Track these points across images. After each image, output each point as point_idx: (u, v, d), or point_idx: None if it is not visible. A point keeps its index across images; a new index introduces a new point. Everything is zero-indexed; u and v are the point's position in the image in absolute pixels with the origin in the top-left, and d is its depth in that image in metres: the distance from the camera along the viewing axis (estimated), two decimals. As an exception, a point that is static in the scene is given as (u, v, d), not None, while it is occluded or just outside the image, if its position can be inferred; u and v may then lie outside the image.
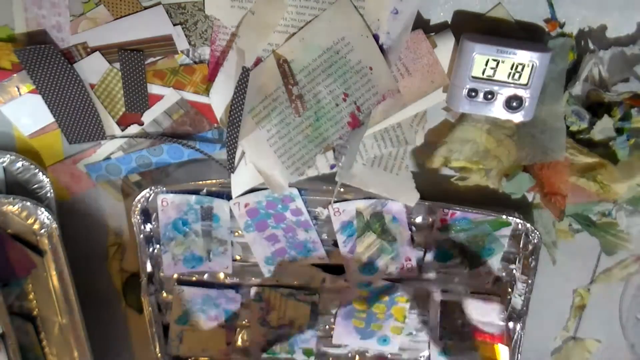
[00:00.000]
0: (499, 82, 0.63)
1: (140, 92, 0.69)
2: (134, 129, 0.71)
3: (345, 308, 0.79)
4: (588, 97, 0.66)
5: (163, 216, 0.74)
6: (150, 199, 0.73)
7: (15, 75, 0.68)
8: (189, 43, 0.67)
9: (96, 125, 0.70)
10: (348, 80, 0.65)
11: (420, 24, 0.65)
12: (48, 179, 0.72)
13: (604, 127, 0.65)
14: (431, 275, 0.78)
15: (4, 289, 0.74)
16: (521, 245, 0.75)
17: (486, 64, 0.62)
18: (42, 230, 0.72)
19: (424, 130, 0.70)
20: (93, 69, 0.68)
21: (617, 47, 0.64)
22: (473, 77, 0.62)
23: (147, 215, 0.75)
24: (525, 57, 0.61)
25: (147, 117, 0.71)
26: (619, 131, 0.65)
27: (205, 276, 0.80)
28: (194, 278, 0.80)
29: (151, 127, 0.72)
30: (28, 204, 0.71)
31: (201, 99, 0.70)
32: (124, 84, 0.69)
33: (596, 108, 0.66)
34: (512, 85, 0.62)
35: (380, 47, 0.65)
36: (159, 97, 0.70)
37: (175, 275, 0.79)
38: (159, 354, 0.80)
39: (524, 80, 0.62)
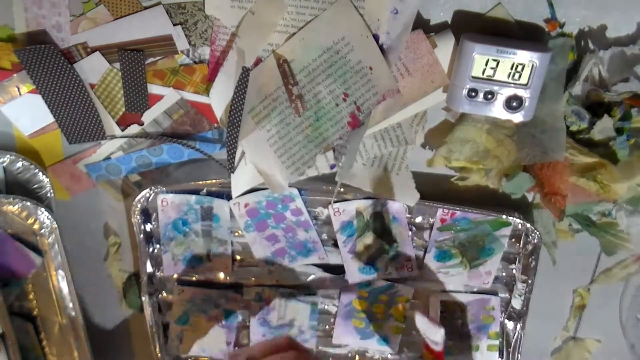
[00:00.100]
0: (499, 82, 0.63)
1: (140, 92, 0.69)
2: (134, 129, 0.71)
3: (345, 308, 0.79)
4: (588, 97, 0.66)
5: (163, 216, 0.74)
6: (150, 199, 0.73)
7: (15, 75, 0.68)
8: (189, 43, 0.67)
9: (96, 125, 0.70)
10: (348, 80, 0.65)
11: (420, 24, 0.65)
12: (48, 179, 0.72)
13: (604, 127, 0.65)
14: (431, 275, 0.78)
15: (4, 289, 0.74)
16: (521, 245, 0.75)
17: (486, 64, 0.62)
18: (42, 230, 0.72)
19: (424, 130, 0.70)
20: (93, 69, 0.68)
21: (617, 47, 0.64)
22: (473, 77, 0.62)
23: (147, 215, 0.75)
24: (525, 57, 0.61)
25: (147, 117, 0.71)
26: (619, 131, 0.65)
27: (205, 276, 0.80)
28: (194, 278, 0.80)
29: (151, 127, 0.72)
30: (28, 204, 0.71)
31: (201, 99, 0.70)
32: (124, 84, 0.69)
33: (596, 108, 0.66)
34: (512, 85, 0.62)
35: (380, 47, 0.65)
36: (159, 97, 0.70)
37: (175, 275, 0.79)
38: (159, 354, 0.80)
39: (524, 80, 0.62)
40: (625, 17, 0.64)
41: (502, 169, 0.69)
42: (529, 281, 0.75)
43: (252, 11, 0.64)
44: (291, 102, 0.66)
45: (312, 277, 0.79)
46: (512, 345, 0.79)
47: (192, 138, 0.72)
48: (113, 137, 0.72)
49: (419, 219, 0.75)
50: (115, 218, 0.78)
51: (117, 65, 0.68)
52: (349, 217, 0.74)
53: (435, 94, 0.66)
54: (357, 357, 0.83)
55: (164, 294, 0.80)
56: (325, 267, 0.79)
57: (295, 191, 0.73)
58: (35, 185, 0.73)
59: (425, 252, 0.76)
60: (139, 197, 0.72)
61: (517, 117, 0.64)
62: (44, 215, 0.71)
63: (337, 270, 0.78)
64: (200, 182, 0.73)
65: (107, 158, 0.73)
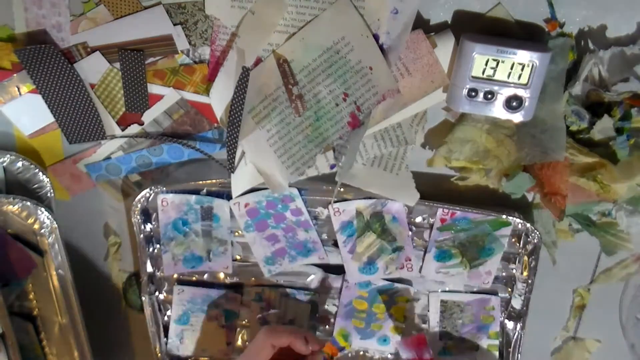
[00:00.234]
0: (499, 82, 0.63)
1: (140, 92, 0.69)
2: (134, 129, 0.71)
3: (345, 308, 0.79)
4: (588, 97, 0.66)
5: (163, 216, 0.74)
6: (150, 199, 0.73)
7: (15, 75, 0.68)
8: (189, 43, 0.67)
9: (96, 125, 0.70)
10: (348, 80, 0.65)
11: (420, 24, 0.65)
12: (48, 179, 0.72)
13: (604, 127, 0.65)
14: (431, 275, 0.77)
15: (4, 289, 0.74)
16: (521, 245, 0.75)
17: (486, 64, 0.62)
18: (42, 230, 0.72)
19: (424, 130, 0.70)
20: (93, 69, 0.68)
21: (617, 47, 0.64)
22: (473, 77, 0.62)
23: (147, 215, 0.75)
24: (525, 57, 0.61)
25: (147, 117, 0.71)
26: (619, 131, 0.65)
27: (205, 276, 0.80)
28: (194, 278, 0.80)
29: (151, 127, 0.72)
30: (28, 204, 0.71)
31: (201, 99, 0.70)
32: (124, 84, 0.69)
33: (596, 108, 0.66)
34: (512, 85, 0.62)
35: (380, 47, 0.65)
36: (159, 97, 0.70)
37: (175, 275, 0.79)
38: (159, 354, 0.80)
39: (524, 80, 0.62)
40: (625, 17, 0.64)
41: (502, 169, 0.69)
42: (529, 281, 0.75)
43: (252, 11, 0.64)
44: (291, 102, 0.66)
45: (312, 277, 0.79)
46: (512, 345, 0.79)
47: (192, 138, 0.72)
48: (113, 137, 0.72)
49: (419, 219, 0.75)
50: (115, 218, 0.78)
51: (117, 65, 0.68)
52: (349, 217, 0.74)
53: (435, 94, 0.66)
54: (357, 356, 0.83)
55: (164, 294, 0.80)
56: (325, 267, 0.79)
57: (295, 191, 0.73)
58: (35, 185, 0.73)
59: (425, 252, 0.76)
60: (139, 197, 0.72)
61: (517, 117, 0.64)
62: (44, 215, 0.71)
63: (337, 270, 0.78)
64: (200, 182, 0.73)
65: (107, 158, 0.73)
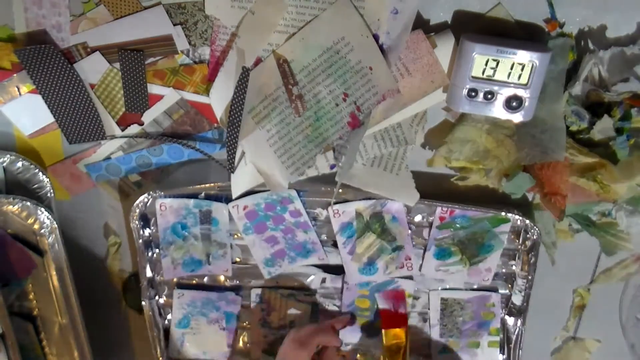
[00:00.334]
0: (499, 82, 0.63)
1: (140, 92, 0.69)
2: (134, 129, 0.71)
3: (349, 308, 0.79)
4: (588, 97, 0.66)
5: (162, 221, 0.74)
6: (148, 204, 0.73)
7: (15, 75, 0.68)
8: (189, 43, 0.68)
9: (96, 125, 0.70)
10: (348, 80, 0.65)
11: (420, 24, 0.65)
12: (48, 179, 0.72)
13: (603, 127, 0.65)
14: (431, 273, 0.77)
15: (4, 289, 0.74)
16: (520, 242, 0.75)
17: (486, 64, 0.62)
18: (42, 230, 0.72)
19: (424, 130, 0.70)
20: (93, 69, 0.68)
21: (617, 47, 0.64)
22: (473, 77, 0.62)
23: (145, 220, 0.75)
24: (525, 57, 0.61)
25: (147, 117, 0.71)
26: (619, 131, 0.65)
27: (205, 279, 0.80)
28: (193, 281, 0.80)
29: (151, 127, 0.72)
30: (28, 204, 0.71)
31: (201, 99, 0.70)
32: (124, 84, 0.69)
33: (596, 108, 0.66)
34: (512, 85, 0.62)
35: (380, 47, 0.65)
36: (159, 97, 0.70)
37: (175, 279, 0.79)
38: (161, 358, 0.80)
39: (523, 80, 0.62)
40: (625, 17, 0.64)
41: (502, 169, 0.69)
42: (529, 277, 0.75)
43: (252, 11, 0.64)
44: (291, 102, 0.66)
45: (312, 277, 0.79)
46: (513, 341, 0.79)
47: (192, 138, 0.72)
48: (113, 137, 0.72)
49: (418, 218, 0.75)
50: (115, 218, 0.78)
51: (117, 65, 0.68)
52: (349, 218, 0.74)
53: (435, 94, 0.66)
54: (358, 355, 0.83)
55: (164, 298, 0.80)
56: (325, 268, 0.79)
57: (294, 193, 0.73)
58: (35, 185, 0.73)
59: (425, 251, 0.76)
60: (137, 202, 0.72)
61: (517, 117, 0.64)
62: (44, 215, 0.71)
63: (337, 270, 0.78)
64: (199, 186, 0.73)
65: (107, 158, 0.73)
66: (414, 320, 0.80)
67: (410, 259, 0.76)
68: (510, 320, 0.79)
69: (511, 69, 0.62)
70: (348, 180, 0.70)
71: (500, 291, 0.79)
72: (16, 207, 0.71)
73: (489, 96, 0.63)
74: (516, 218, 0.72)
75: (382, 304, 0.79)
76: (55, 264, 0.73)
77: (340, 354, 0.80)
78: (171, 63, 0.68)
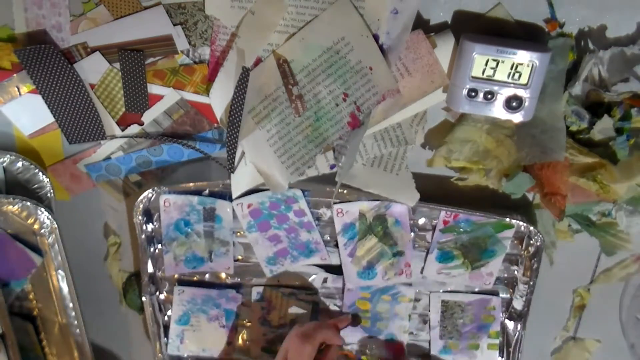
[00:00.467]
0: (499, 82, 0.63)
1: (140, 92, 0.69)
2: (134, 129, 0.71)
3: (350, 309, 0.79)
4: (588, 97, 0.66)
5: (165, 216, 0.74)
6: (152, 199, 0.73)
7: (15, 75, 0.68)
8: (189, 43, 0.68)
9: (96, 125, 0.70)
10: (348, 80, 0.65)
11: (420, 24, 0.65)
12: (48, 179, 0.72)
13: (603, 127, 0.65)
14: (433, 276, 0.77)
15: (4, 289, 0.74)
16: (523, 247, 0.75)
17: (486, 64, 0.62)
18: (42, 230, 0.72)
19: (424, 130, 0.70)
20: (93, 69, 0.68)
21: (617, 47, 0.64)
22: (473, 77, 0.62)
23: (149, 215, 0.75)
24: (525, 57, 0.61)
25: (147, 117, 0.71)
26: (619, 131, 0.65)
27: (207, 276, 0.80)
28: (194, 278, 0.80)
29: (151, 127, 0.72)
30: (28, 204, 0.71)
31: (201, 99, 0.70)
32: (124, 84, 0.69)
33: (596, 108, 0.66)
34: (512, 85, 0.62)
35: (380, 47, 0.65)
36: (159, 97, 0.70)
37: (176, 276, 0.79)
38: (159, 354, 0.80)
39: (523, 80, 0.62)
40: (625, 17, 0.64)
41: (502, 169, 0.69)
42: (531, 282, 0.75)
43: (252, 11, 0.64)
44: (291, 102, 0.66)
45: (313, 277, 0.79)
46: (513, 344, 0.79)
47: (192, 138, 0.72)
48: (113, 137, 0.72)
49: (422, 221, 0.75)
50: (115, 218, 0.78)
51: (117, 65, 0.68)
52: (352, 218, 0.74)
53: (435, 94, 0.66)
54: (364, 357, 0.83)
55: (165, 294, 0.80)
56: (327, 267, 0.79)
57: (298, 192, 0.73)
58: (35, 185, 0.73)
59: (427, 254, 0.76)
60: (141, 197, 0.72)
61: (517, 117, 0.64)
62: (44, 215, 0.71)
63: (339, 270, 0.78)
64: (203, 183, 0.73)
65: (107, 158, 0.73)
66: (414, 322, 0.80)
67: (409, 266, 0.76)
68: (510, 324, 0.79)
69: (511, 69, 0.62)
70: (348, 180, 0.70)
71: (501, 295, 0.79)
72: (16, 207, 0.71)
73: (489, 96, 0.63)
74: (520, 224, 0.72)
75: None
76: (55, 264, 0.73)
77: (342, 352, 0.81)
78: (171, 63, 0.68)
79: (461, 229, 0.74)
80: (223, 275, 0.80)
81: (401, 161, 0.71)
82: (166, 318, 0.81)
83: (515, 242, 0.75)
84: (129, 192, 0.76)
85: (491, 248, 0.75)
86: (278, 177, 0.69)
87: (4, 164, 0.71)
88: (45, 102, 0.68)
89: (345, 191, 0.72)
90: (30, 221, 0.72)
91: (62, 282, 0.74)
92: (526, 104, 0.63)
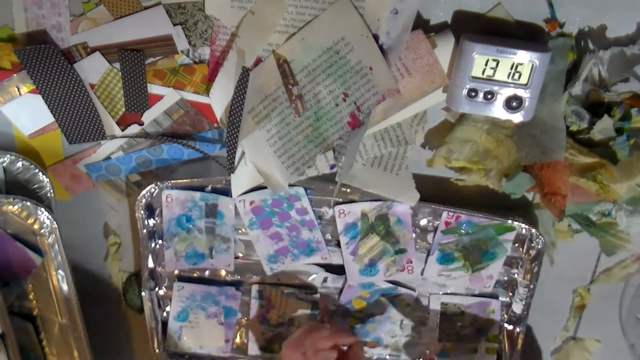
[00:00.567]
0: (499, 82, 0.63)
1: (140, 92, 0.69)
2: (134, 129, 0.71)
3: (345, 307, 0.79)
4: (588, 97, 0.66)
5: (167, 212, 0.74)
6: (155, 195, 0.73)
7: (15, 75, 0.68)
8: (189, 43, 0.68)
9: (96, 125, 0.70)
10: (348, 80, 0.65)
11: (420, 24, 0.65)
12: (48, 179, 0.72)
13: (603, 127, 0.65)
14: (433, 277, 0.77)
15: (4, 289, 0.74)
16: (524, 250, 0.75)
17: (486, 64, 0.62)
18: (42, 230, 0.72)
19: (424, 130, 0.70)
20: (93, 69, 0.68)
21: (617, 47, 0.64)
22: (473, 77, 0.62)
23: (151, 210, 0.75)
24: (525, 57, 0.61)
25: (147, 117, 0.71)
26: (619, 131, 0.65)
27: (207, 273, 0.80)
28: (195, 274, 0.80)
29: (151, 127, 0.72)
30: (28, 204, 0.71)
31: (201, 99, 0.70)
32: (124, 84, 0.69)
33: (596, 108, 0.66)
34: (512, 85, 0.62)
35: (380, 47, 0.65)
36: (159, 97, 0.70)
37: (176, 272, 0.79)
38: (157, 350, 0.80)
39: (523, 80, 0.62)
40: (625, 17, 0.64)
41: (502, 169, 0.69)
42: (531, 286, 0.75)
43: (252, 11, 0.64)
44: (291, 102, 0.66)
45: (313, 276, 0.79)
46: (512, 348, 0.79)
47: (192, 138, 0.72)
48: (113, 137, 0.72)
49: (423, 222, 0.75)
50: (115, 218, 0.78)
51: (117, 65, 0.68)
52: (354, 218, 0.74)
53: (435, 94, 0.66)
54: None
55: (164, 290, 0.80)
56: (327, 267, 0.79)
57: (301, 190, 0.73)
58: (35, 185, 0.73)
59: (428, 255, 0.76)
60: (144, 192, 0.72)
61: (517, 117, 0.64)
62: (44, 215, 0.71)
63: (340, 270, 0.78)
64: (206, 179, 0.73)
65: (107, 158, 0.73)
66: (413, 323, 0.80)
67: (411, 262, 0.76)
68: (509, 328, 0.79)
69: (511, 69, 0.62)
70: (348, 180, 0.70)
71: (500, 298, 0.79)
72: (16, 207, 0.71)
73: (489, 96, 0.63)
74: (522, 227, 0.72)
75: None
76: (55, 264, 0.73)
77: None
78: (171, 63, 0.68)
79: (463, 231, 0.74)
80: (223, 272, 0.80)
81: (401, 161, 0.71)
82: (165, 314, 0.81)
83: (516, 245, 0.75)
84: (129, 192, 0.76)
85: (492, 250, 0.75)
86: (278, 177, 0.69)
87: (4, 164, 0.71)
88: (45, 102, 0.68)
89: (348, 190, 0.72)
90: (30, 221, 0.72)
91: (62, 282, 0.74)
92: (526, 104, 0.63)
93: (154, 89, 0.70)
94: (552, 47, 0.63)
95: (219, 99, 0.68)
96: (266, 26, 0.64)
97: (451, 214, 0.73)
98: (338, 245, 0.76)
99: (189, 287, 0.79)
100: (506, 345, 0.79)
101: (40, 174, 0.72)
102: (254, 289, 0.80)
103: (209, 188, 0.74)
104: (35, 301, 0.76)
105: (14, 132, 0.72)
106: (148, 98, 0.70)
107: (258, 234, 0.76)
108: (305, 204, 0.74)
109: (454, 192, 0.74)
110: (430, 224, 0.75)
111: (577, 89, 0.65)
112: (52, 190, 0.73)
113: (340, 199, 0.73)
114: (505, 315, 0.79)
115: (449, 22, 0.66)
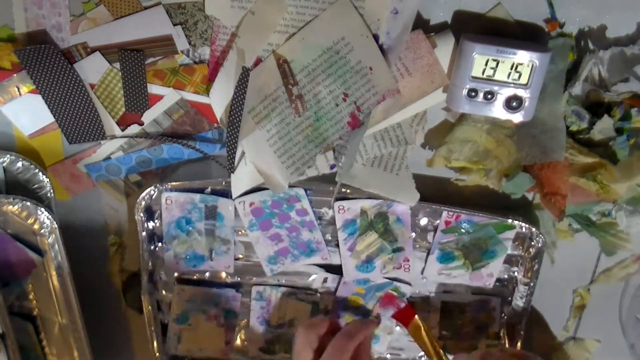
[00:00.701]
0: (499, 82, 0.63)
1: (140, 92, 0.69)
2: (134, 129, 0.71)
3: (340, 304, 0.79)
4: (588, 97, 0.66)
5: (167, 214, 0.74)
6: (154, 197, 0.73)
7: (15, 75, 0.68)
8: (189, 43, 0.68)
9: (96, 125, 0.70)
10: (348, 80, 0.65)
11: (420, 24, 0.65)
12: (48, 179, 0.72)
13: (603, 127, 0.65)
14: (433, 276, 0.77)
15: (4, 289, 0.74)
16: (524, 249, 0.75)
17: (486, 64, 0.62)
18: (42, 230, 0.72)
19: (424, 130, 0.70)
20: (93, 69, 0.68)
21: (617, 47, 0.64)
22: (473, 77, 0.62)
23: (150, 213, 0.75)
24: (525, 57, 0.61)
25: (147, 117, 0.71)
26: (619, 131, 0.65)
27: (206, 275, 0.80)
28: (194, 277, 0.80)
29: (151, 127, 0.72)
30: (28, 204, 0.71)
31: (201, 99, 0.70)
32: (124, 84, 0.69)
33: (596, 108, 0.66)
34: (512, 85, 0.62)
35: (380, 47, 0.65)
36: (159, 97, 0.70)
37: (176, 274, 0.79)
38: (157, 353, 0.80)
39: (523, 80, 0.62)
40: (625, 17, 0.64)
41: (502, 169, 0.69)
42: (531, 284, 0.75)
43: (252, 11, 0.64)
44: (291, 102, 0.66)
45: (313, 276, 0.79)
46: (512, 346, 0.79)
47: (192, 138, 0.72)
48: (113, 137, 0.72)
49: (423, 221, 0.75)
50: (115, 218, 0.78)
51: (117, 65, 0.68)
52: (353, 215, 0.74)
53: (435, 94, 0.66)
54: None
55: (164, 293, 0.80)
56: (327, 267, 0.79)
57: (301, 191, 0.73)
58: (35, 185, 0.73)
59: (428, 254, 0.76)
60: (143, 194, 0.72)
61: (517, 117, 0.64)
62: (44, 215, 0.71)
63: (340, 270, 0.78)
64: (205, 181, 0.73)
65: (107, 158, 0.73)
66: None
67: (408, 261, 0.76)
68: (509, 325, 0.79)
69: (511, 69, 0.62)
70: (348, 180, 0.70)
71: (501, 296, 0.79)
72: (16, 207, 0.71)
73: (489, 96, 0.63)
74: (522, 225, 0.72)
75: (385, 308, 0.79)
76: (55, 264, 0.73)
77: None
78: (171, 63, 0.68)
79: (463, 230, 0.74)
80: (223, 274, 0.80)
81: (401, 161, 0.71)
82: (165, 317, 0.81)
83: (516, 243, 0.75)
84: (129, 192, 0.76)
85: (492, 249, 0.75)
86: (278, 177, 0.69)
87: (4, 164, 0.71)
88: (45, 102, 0.68)
89: (348, 190, 0.72)
90: (30, 221, 0.72)
91: (62, 282, 0.74)
92: (526, 104, 0.63)
93: (154, 89, 0.70)
94: (552, 47, 0.64)
95: (219, 99, 0.68)
96: (266, 26, 0.64)
97: (451, 213, 0.73)
98: (338, 245, 0.76)
99: (189, 290, 0.79)
100: (506, 343, 0.79)
101: (40, 174, 0.72)
102: (254, 290, 0.80)
103: (209, 190, 0.74)
104: (35, 301, 0.76)
105: (14, 132, 0.72)
106: (148, 98, 0.70)
107: (258, 235, 0.76)
108: (306, 205, 0.74)
109: (454, 192, 0.74)
110: (430, 223, 0.75)
111: (577, 89, 0.65)
112: (52, 190, 0.73)
113: (335, 199, 0.73)
114: (506, 313, 0.79)
115: (449, 22, 0.66)
